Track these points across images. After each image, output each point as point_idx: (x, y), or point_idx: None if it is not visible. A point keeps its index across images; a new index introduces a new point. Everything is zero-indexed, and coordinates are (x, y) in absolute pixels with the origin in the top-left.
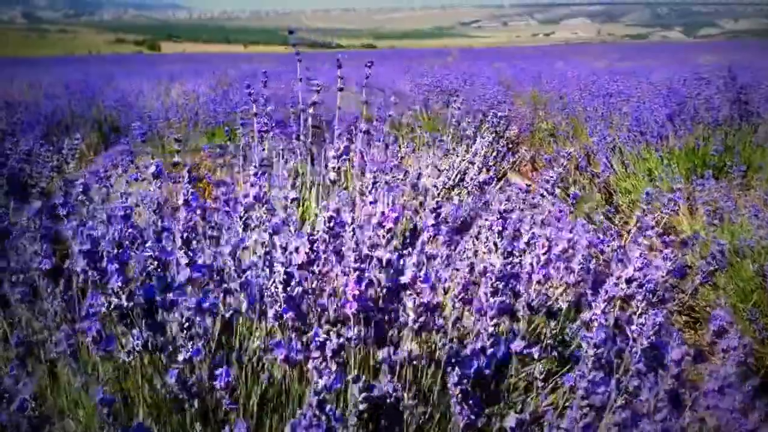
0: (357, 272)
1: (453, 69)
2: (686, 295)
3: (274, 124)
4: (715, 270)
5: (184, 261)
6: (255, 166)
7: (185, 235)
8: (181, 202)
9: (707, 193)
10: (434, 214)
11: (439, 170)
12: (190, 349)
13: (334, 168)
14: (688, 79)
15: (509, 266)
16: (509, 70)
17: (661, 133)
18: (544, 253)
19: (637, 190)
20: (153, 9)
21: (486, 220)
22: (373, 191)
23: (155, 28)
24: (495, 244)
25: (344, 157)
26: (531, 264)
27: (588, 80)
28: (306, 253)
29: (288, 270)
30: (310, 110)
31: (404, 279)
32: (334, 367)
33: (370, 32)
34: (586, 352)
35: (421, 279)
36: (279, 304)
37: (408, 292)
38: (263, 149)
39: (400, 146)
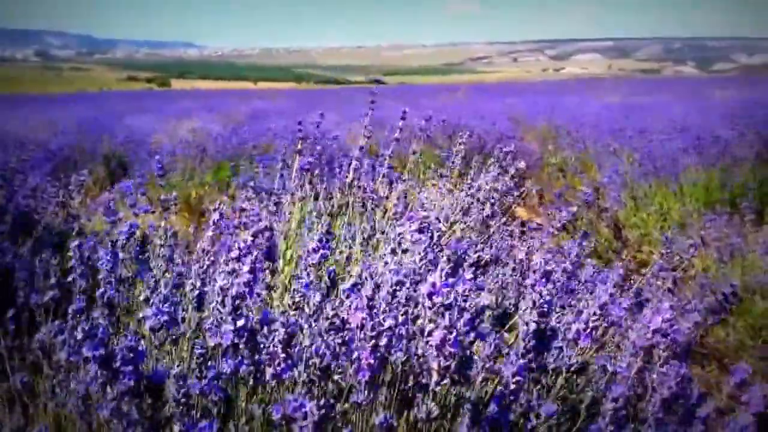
0: (372, 341)
1: (462, 104)
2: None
3: (326, 164)
4: (727, 309)
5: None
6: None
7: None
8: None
9: (718, 229)
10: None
11: (440, 206)
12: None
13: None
14: (709, 115)
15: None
16: (519, 105)
17: (675, 169)
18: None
19: (646, 226)
20: (165, 47)
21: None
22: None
23: (167, 66)
24: (534, 302)
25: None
26: (577, 331)
27: (599, 115)
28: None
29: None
30: (356, 153)
31: (433, 341)
32: None
33: (381, 69)
34: (604, 405)
35: (451, 342)
36: (278, 362)
37: (435, 354)
38: (302, 186)
39: (404, 181)
